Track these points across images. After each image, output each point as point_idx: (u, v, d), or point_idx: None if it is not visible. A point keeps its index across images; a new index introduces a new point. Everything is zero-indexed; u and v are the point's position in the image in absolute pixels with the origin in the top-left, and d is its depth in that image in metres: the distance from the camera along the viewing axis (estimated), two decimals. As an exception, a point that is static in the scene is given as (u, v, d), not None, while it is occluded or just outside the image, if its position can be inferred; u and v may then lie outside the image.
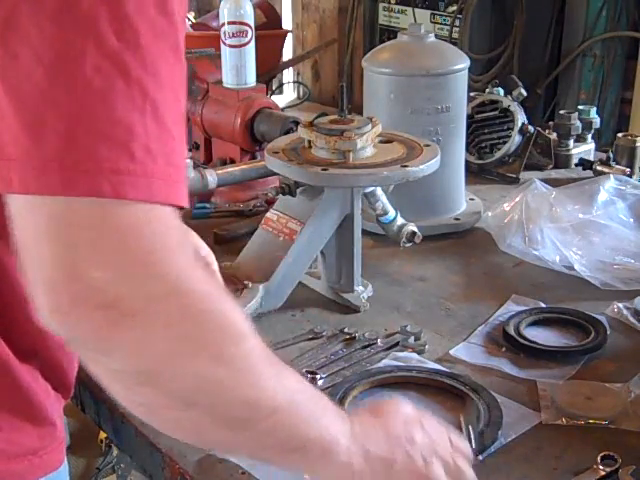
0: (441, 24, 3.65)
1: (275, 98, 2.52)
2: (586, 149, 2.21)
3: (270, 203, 1.60)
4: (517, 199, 1.65)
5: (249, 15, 1.94)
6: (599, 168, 2.01)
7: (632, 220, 1.64)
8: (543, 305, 1.42)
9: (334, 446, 0.76)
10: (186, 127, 0.74)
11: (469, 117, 1.99)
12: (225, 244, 1.68)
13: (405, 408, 0.86)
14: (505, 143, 2.05)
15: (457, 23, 3.53)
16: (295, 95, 3.80)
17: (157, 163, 0.65)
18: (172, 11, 0.67)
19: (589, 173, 2.03)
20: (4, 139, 0.63)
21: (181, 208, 0.67)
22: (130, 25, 0.64)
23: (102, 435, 2.70)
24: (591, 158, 2.16)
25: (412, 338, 1.30)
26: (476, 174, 2.06)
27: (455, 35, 3.52)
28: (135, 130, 0.64)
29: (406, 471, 0.81)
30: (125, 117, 0.63)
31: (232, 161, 1.90)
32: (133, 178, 0.64)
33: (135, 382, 0.67)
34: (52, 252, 0.62)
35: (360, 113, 1.70)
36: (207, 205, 1.84)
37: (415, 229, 1.49)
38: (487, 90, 2.13)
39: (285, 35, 3.33)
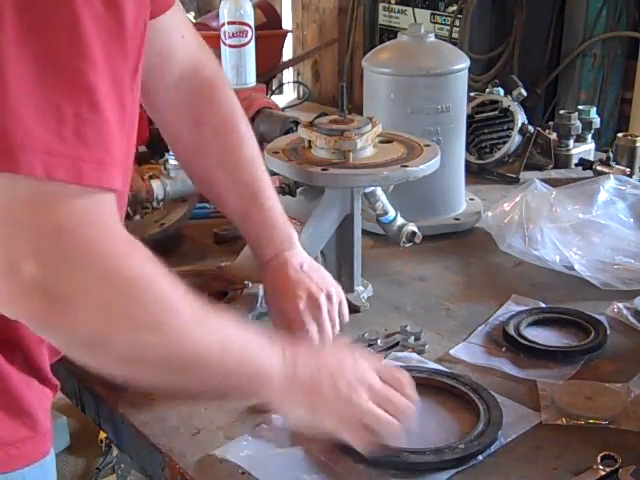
0: (441, 24, 3.65)
1: (275, 98, 2.52)
2: (586, 149, 2.21)
3: (270, 203, 1.59)
4: (517, 199, 1.65)
5: (249, 15, 1.94)
6: (599, 168, 2.01)
7: (632, 220, 1.63)
8: (543, 305, 1.42)
9: (267, 379, 0.88)
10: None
11: (469, 117, 1.99)
12: (225, 244, 1.68)
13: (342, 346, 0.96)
14: (505, 143, 2.05)
15: (457, 23, 3.53)
16: (295, 95, 3.80)
17: (89, 147, 0.69)
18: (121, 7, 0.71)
19: (589, 173, 2.03)
20: None
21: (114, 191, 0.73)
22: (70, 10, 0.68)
23: (102, 435, 2.70)
24: (591, 158, 2.16)
25: (412, 338, 1.30)
26: (476, 174, 2.06)
27: (455, 35, 3.52)
28: (66, 114, 0.68)
29: (332, 395, 0.91)
30: (58, 102, 0.67)
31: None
32: (63, 160, 0.68)
33: (81, 351, 0.77)
34: None
35: (360, 113, 1.70)
36: (207, 205, 1.84)
37: (415, 229, 1.49)
38: (487, 90, 2.13)
39: (285, 35, 3.33)
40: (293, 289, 1.15)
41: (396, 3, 3.82)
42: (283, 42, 3.30)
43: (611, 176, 1.71)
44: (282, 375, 0.89)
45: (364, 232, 1.48)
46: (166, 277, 0.85)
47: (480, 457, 1.03)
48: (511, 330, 1.31)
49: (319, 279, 1.18)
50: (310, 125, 1.40)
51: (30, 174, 0.67)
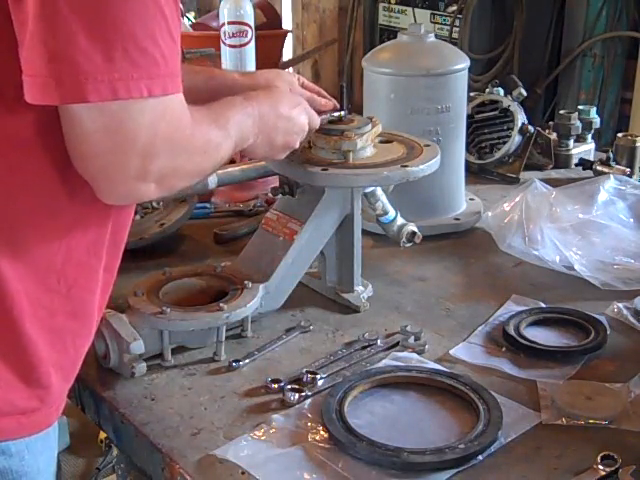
0: (441, 24, 3.65)
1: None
2: (586, 149, 2.21)
3: (270, 203, 1.60)
4: (517, 199, 1.65)
5: (249, 15, 1.94)
6: (599, 168, 2.01)
7: (632, 220, 1.64)
8: (543, 305, 1.42)
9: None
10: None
11: (469, 117, 1.99)
12: (225, 244, 1.69)
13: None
14: (505, 143, 2.05)
15: (457, 23, 3.53)
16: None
17: (169, 66, 0.87)
18: None
19: (589, 173, 2.04)
20: (75, 56, 0.81)
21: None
22: None
23: (102, 435, 2.70)
24: (591, 158, 2.16)
25: (412, 338, 1.30)
26: (476, 174, 2.06)
27: (455, 35, 3.52)
28: (160, 43, 0.85)
29: (282, 118, 1.20)
30: (154, 33, 0.84)
31: (232, 161, 1.90)
32: (161, 79, 0.86)
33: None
34: (113, 145, 0.86)
35: (360, 113, 1.70)
36: (207, 205, 1.84)
37: (415, 229, 1.49)
38: (487, 90, 2.13)
39: (285, 35, 3.33)
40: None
41: (396, 3, 3.82)
42: (283, 42, 3.30)
43: (611, 176, 1.71)
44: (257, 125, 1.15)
45: (364, 232, 1.48)
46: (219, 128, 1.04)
47: (480, 457, 1.03)
48: (511, 330, 1.31)
49: None
50: (310, 125, 1.39)
51: (139, 96, 0.85)
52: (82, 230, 0.96)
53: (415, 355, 1.27)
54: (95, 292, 1.01)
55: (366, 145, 1.38)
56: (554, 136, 2.17)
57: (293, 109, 1.22)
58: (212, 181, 1.59)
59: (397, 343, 1.30)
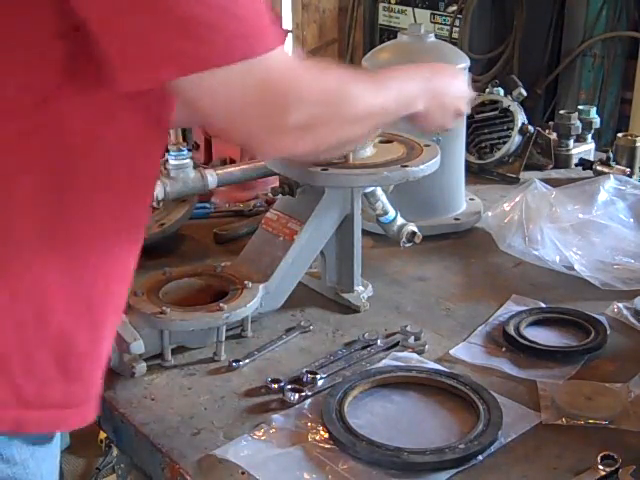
0: (441, 24, 3.66)
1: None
2: (586, 149, 2.21)
3: (270, 203, 1.60)
4: (517, 199, 1.65)
5: (249, 15, 1.93)
6: (599, 168, 2.01)
7: (632, 220, 1.63)
8: (543, 305, 1.42)
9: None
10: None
11: (469, 117, 1.99)
12: (225, 244, 1.69)
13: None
14: (505, 143, 2.05)
15: (457, 23, 3.53)
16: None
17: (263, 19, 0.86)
18: None
19: (589, 173, 2.03)
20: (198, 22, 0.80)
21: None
22: None
23: (102, 435, 2.70)
24: (591, 158, 2.16)
25: (412, 338, 1.30)
26: (476, 174, 2.06)
27: (455, 35, 3.52)
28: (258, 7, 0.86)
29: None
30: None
31: (232, 161, 1.90)
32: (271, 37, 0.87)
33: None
34: (260, 101, 0.87)
35: (360, 113, 1.69)
36: (207, 205, 1.84)
37: (415, 229, 1.49)
38: (487, 90, 2.12)
39: (285, 35, 3.32)
40: None
41: (396, 3, 3.82)
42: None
43: (611, 176, 1.71)
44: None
45: (364, 232, 1.48)
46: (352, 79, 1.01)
47: (480, 457, 1.03)
48: (511, 330, 1.31)
49: None
50: (310, 125, 1.39)
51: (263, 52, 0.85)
52: (119, 221, 0.96)
53: (415, 355, 1.27)
54: (128, 282, 1.01)
55: (366, 145, 1.38)
56: (554, 136, 2.17)
57: (453, 74, 1.26)
58: (212, 181, 1.59)
59: (397, 343, 1.30)
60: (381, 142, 1.45)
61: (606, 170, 1.97)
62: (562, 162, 2.16)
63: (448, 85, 1.21)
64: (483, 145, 2.08)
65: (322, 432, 1.07)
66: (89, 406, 0.99)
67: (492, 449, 1.04)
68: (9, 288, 0.87)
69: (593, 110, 2.25)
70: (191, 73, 0.82)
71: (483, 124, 2.08)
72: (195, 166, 1.60)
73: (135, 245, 1.00)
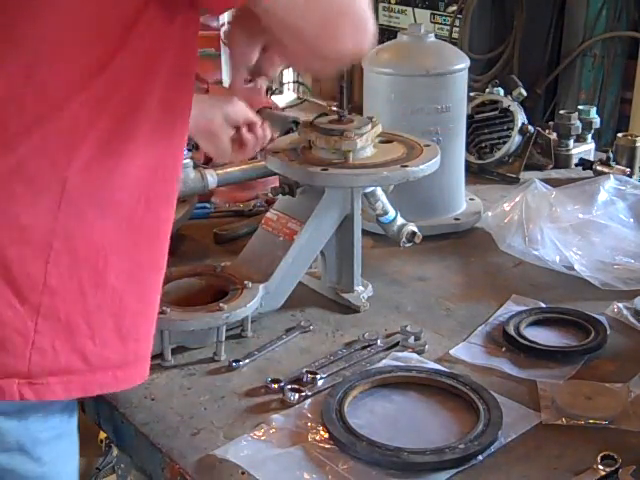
0: (441, 24, 3.66)
1: (275, 98, 2.52)
2: (586, 149, 2.21)
3: (270, 203, 1.60)
4: (517, 199, 1.65)
5: (249, 15, 1.93)
6: (599, 168, 2.01)
7: (632, 220, 1.63)
8: (543, 305, 1.42)
9: None
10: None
11: (469, 117, 1.99)
12: (225, 244, 1.69)
13: None
14: (505, 143, 2.05)
15: (457, 23, 3.53)
16: (295, 95, 3.79)
17: None
18: None
19: (589, 173, 2.03)
20: None
21: None
22: None
23: (102, 435, 2.70)
24: (591, 158, 2.16)
25: (412, 338, 1.30)
26: (476, 174, 2.06)
27: (455, 35, 3.52)
28: None
29: None
30: None
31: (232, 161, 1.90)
32: None
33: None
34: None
35: (360, 113, 1.70)
36: (207, 205, 1.84)
37: (415, 229, 1.49)
38: (487, 90, 2.13)
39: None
40: None
41: (396, 3, 3.82)
42: (283, 42, 3.29)
43: (611, 176, 1.71)
44: None
45: (364, 232, 1.48)
46: None
47: (480, 457, 1.03)
48: (511, 330, 1.31)
49: None
50: (310, 125, 1.40)
51: None
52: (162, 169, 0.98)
53: (415, 355, 1.27)
54: (167, 242, 1.03)
55: (366, 145, 1.38)
56: (554, 136, 2.17)
57: None
58: (212, 181, 1.60)
59: (397, 343, 1.30)
60: (381, 142, 1.45)
61: (606, 170, 1.97)
62: (562, 162, 2.17)
63: None
64: (483, 145, 2.08)
65: (322, 432, 1.07)
66: (143, 364, 1.02)
67: (492, 449, 1.04)
68: (71, 252, 0.90)
69: (593, 110, 2.25)
70: None
71: (483, 124, 2.08)
72: (195, 166, 1.60)
73: (171, 205, 1.02)
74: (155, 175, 0.97)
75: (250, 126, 1.37)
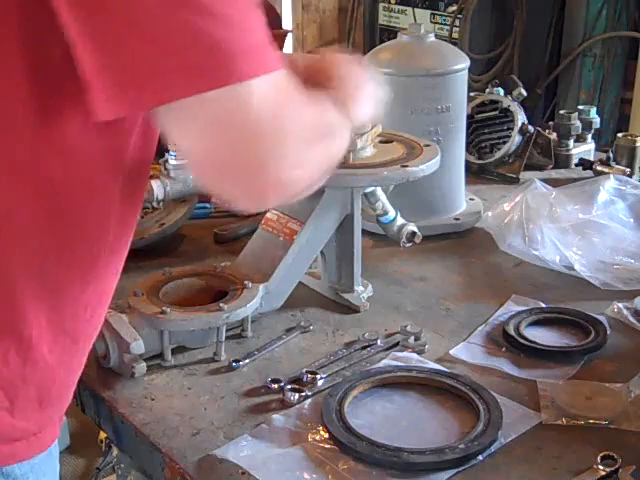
0: (441, 24, 3.66)
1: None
2: (586, 149, 2.21)
3: (270, 203, 1.59)
4: (517, 199, 1.65)
5: (249, 15, 1.93)
6: (599, 168, 2.01)
7: (632, 220, 1.63)
8: (543, 305, 1.42)
9: None
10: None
11: (469, 117, 1.99)
12: (225, 244, 1.69)
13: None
14: (505, 143, 2.05)
15: (457, 23, 3.53)
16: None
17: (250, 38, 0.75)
18: None
19: (589, 173, 2.03)
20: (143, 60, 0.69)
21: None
22: None
23: (102, 435, 2.70)
24: (591, 158, 2.16)
25: (412, 338, 1.30)
26: (476, 174, 2.06)
27: (455, 35, 3.53)
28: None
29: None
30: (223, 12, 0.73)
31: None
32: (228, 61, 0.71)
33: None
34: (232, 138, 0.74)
35: (360, 113, 1.69)
36: (207, 205, 1.84)
37: (415, 229, 1.49)
38: (487, 90, 2.13)
39: (285, 35, 3.32)
40: None
41: (396, 3, 3.83)
42: (283, 42, 3.29)
43: (611, 176, 1.71)
44: None
45: (364, 232, 1.48)
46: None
47: (480, 457, 1.03)
48: (511, 330, 1.31)
49: None
50: (310, 125, 1.39)
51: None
52: (110, 254, 0.92)
53: (415, 355, 1.27)
54: (105, 308, 0.99)
55: (366, 145, 1.38)
56: (554, 136, 2.17)
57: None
58: (212, 181, 1.59)
59: (397, 343, 1.30)
60: (381, 142, 1.45)
61: (606, 170, 1.97)
62: (562, 162, 2.16)
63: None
64: (483, 145, 2.08)
65: (322, 432, 1.07)
66: (55, 426, 0.98)
67: (492, 449, 1.04)
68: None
69: (593, 110, 2.25)
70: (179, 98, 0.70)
71: (483, 124, 2.08)
72: (195, 166, 1.60)
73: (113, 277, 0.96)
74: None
75: None
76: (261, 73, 0.73)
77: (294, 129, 0.79)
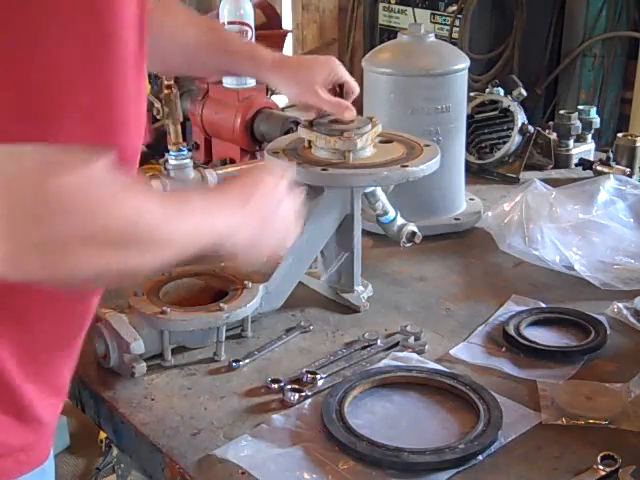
0: (441, 24, 3.66)
1: (275, 98, 2.52)
2: (586, 149, 2.21)
3: (270, 203, 1.59)
4: (517, 199, 1.65)
5: (249, 15, 1.94)
6: (599, 168, 2.01)
7: (632, 220, 1.63)
8: (543, 305, 1.42)
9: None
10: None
11: (469, 117, 1.99)
12: (225, 244, 1.68)
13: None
14: (505, 143, 2.05)
15: (457, 23, 3.53)
16: (295, 95, 3.79)
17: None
18: None
19: (589, 173, 2.04)
20: None
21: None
22: None
23: (102, 435, 2.70)
24: (591, 158, 2.16)
25: (412, 338, 1.30)
26: (476, 174, 2.06)
27: (455, 35, 3.53)
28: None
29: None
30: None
31: (232, 161, 1.90)
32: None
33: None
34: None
35: (360, 113, 1.69)
36: (207, 205, 1.83)
37: (415, 229, 1.49)
38: (487, 90, 2.13)
39: (285, 35, 3.32)
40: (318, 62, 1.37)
41: (396, 3, 3.83)
42: (283, 42, 3.30)
43: (611, 176, 1.71)
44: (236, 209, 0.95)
45: (364, 232, 1.48)
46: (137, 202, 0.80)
47: (480, 457, 1.03)
48: (511, 330, 1.31)
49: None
50: (310, 125, 1.40)
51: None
52: None
53: (415, 355, 1.27)
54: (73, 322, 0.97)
55: (366, 145, 1.38)
56: (554, 136, 2.17)
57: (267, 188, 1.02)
58: (212, 181, 1.60)
59: (397, 343, 1.30)
60: (381, 142, 1.45)
61: (606, 170, 1.97)
62: (562, 162, 2.16)
63: (266, 209, 0.99)
64: (483, 145, 2.08)
65: (322, 432, 1.07)
66: (47, 441, 0.96)
67: (492, 449, 1.04)
68: None
69: (593, 110, 2.25)
70: None
71: (483, 124, 2.08)
72: (195, 166, 1.60)
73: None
74: None
75: None
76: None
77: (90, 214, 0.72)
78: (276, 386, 1.18)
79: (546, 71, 3.62)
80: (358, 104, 1.80)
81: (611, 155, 2.03)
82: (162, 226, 0.82)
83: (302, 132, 1.41)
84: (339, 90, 1.39)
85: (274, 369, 1.24)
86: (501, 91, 2.10)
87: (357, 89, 1.40)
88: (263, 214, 0.98)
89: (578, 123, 2.16)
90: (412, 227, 1.49)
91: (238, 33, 1.79)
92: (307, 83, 1.35)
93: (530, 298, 1.44)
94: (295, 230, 1.06)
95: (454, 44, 3.08)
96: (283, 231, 1.04)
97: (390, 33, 3.74)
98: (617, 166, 1.99)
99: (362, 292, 1.45)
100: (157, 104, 1.56)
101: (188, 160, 1.56)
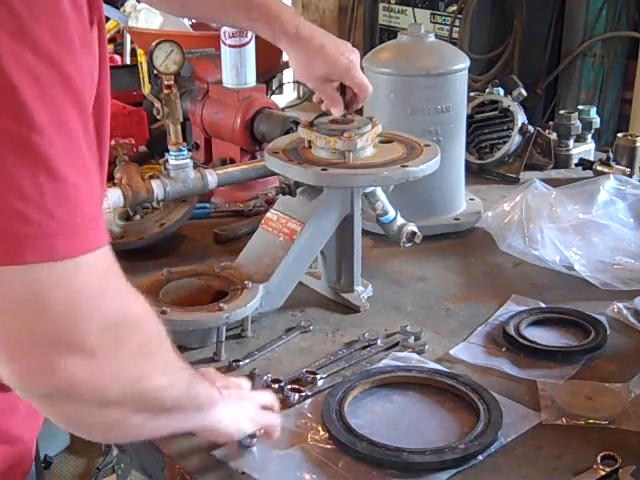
0: (441, 24, 3.66)
1: (275, 98, 2.52)
2: (586, 149, 2.21)
3: (270, 203, 1.60)
4: (517, 199, 1.65)
5: (249, 15, 1.93)
6: (599, 168, 2.01)
7: (632, 220, 1.63)
8: (543, 305, 1.42)
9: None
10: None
11: (469, 117, 1.99)
12: (225, 244, 1.69)
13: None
14: (505, 143, 2.05)
15: (457, 23, 3.53)
16: (295, 95, 3.79)
17: (56, 219, 0.65)
18: (49, 52, 0.64)
19: (589, 173, 2.04)
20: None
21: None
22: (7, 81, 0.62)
23: (102, 435, 2.70)
24: (591, 158, 2.16)
25: (412, 338, 1.30)
26: (476, 174, 2.06)
27: (455, 35, 3.52)
28: (27, 193, 0.64)
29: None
30: (16, 182, 0.63)
31: (232, 161, 1.90)
32: (31, 242, 0.64)
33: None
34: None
35: (360, 113, 1.70)
36: (207, 205, 1.84)
37: (415, 229, 1.49)
38: (487, 90, 2.13)
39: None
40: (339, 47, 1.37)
41: (396, 3, 3.82)
42: (283, 42, 3.29)
43: (611, 176, 1.71)
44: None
45: (364, 232, 1.48)
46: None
47: (480, 457, 1.03)
48: (511, 330, 1.31)
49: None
50: (310, 125, 1.40)
51: (8, 264, 0.64)
52: None
53: (415, 355, 1.27)
54: None
55: (366, 145, 1.38)
56: (554, 136, 2.17)
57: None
58: (212, 181, 1.60)
59: (397, 343, 1.30)
60: (381, 142, 1.45)
61: (606, 170, 1.97)
62: (562, 162, 2.17)
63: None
64: (483, 145, 2.08)
65: (322, 432, 1.07)
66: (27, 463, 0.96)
67: (492, 449, 1.04)
68: None
69: (593, 110, 2.25)
70: None
71: (483, 124, 2.08)
72: (195, 166, 1.60)
73: None
74: None
75: None
76: (58, 258, 0.66)
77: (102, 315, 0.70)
78: (276, 386, 1.17)
79: (546, 71, 3.62)
80: (358, 104, 1.80)
81: (611, 155, 2.03)
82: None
83: (302, 132, 1.41)
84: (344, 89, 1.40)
85: (274, 369, 1.23)
86: (501, 91, 2.10)
87: (363, 100, 1.41)
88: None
89: (578, 123, 2.16)
90: (412, 227, 1.49)
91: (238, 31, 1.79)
92: (315, 74, 1.37)
93: (530, 298, 1.44)
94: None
95: (454, 44, 3.08)
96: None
97: (390, 33, 3.74)
98: (617, 166, 1.99)
99: (362, 292, 1.45)
100: (157, 104, 1.56)
101: (188, 160, 1.56)
